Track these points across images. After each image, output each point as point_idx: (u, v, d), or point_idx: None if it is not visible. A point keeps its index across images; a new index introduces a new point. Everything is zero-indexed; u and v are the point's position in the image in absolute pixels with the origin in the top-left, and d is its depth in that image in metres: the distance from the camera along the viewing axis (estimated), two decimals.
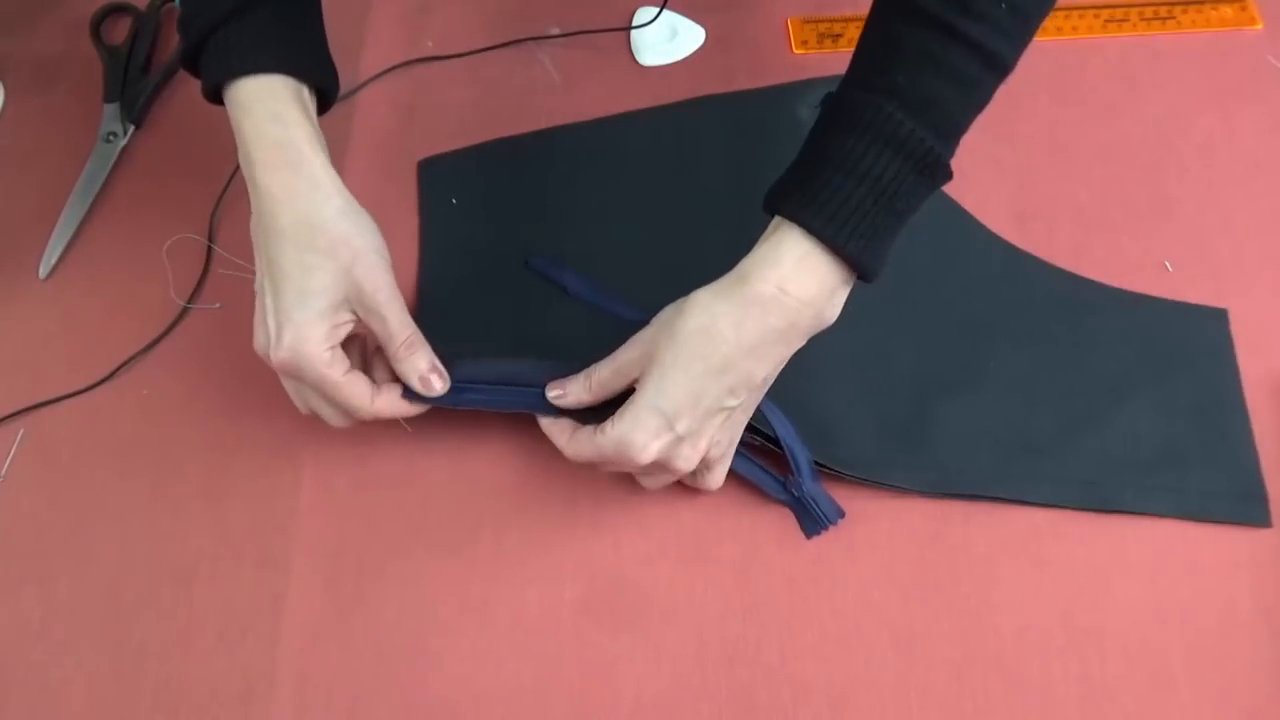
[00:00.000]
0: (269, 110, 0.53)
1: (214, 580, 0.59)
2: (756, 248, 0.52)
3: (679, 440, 0.52)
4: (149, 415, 0.64)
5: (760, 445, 0.59)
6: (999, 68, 0.50)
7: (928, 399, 0.62)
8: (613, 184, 0.70)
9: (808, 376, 0.62)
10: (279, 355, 0.53)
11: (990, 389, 0.62)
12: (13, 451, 0.63)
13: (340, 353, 0.54)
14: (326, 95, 0.58)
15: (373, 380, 0.56)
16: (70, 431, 0.63)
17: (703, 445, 0.54)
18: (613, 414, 0.53)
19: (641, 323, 0.55)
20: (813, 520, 0.58)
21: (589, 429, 0.54)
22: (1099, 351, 0.64)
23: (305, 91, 0.55)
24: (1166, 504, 0.59)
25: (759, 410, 0.58)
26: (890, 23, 0.51)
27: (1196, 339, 0.64)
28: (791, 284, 0.51)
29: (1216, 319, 0.65)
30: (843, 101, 0.51)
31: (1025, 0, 0.50)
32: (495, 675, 0.56)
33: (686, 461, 0.54)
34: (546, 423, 0.57)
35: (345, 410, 0.56)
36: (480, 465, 0.61)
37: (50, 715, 0.56)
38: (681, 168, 0.71)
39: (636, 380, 0.53)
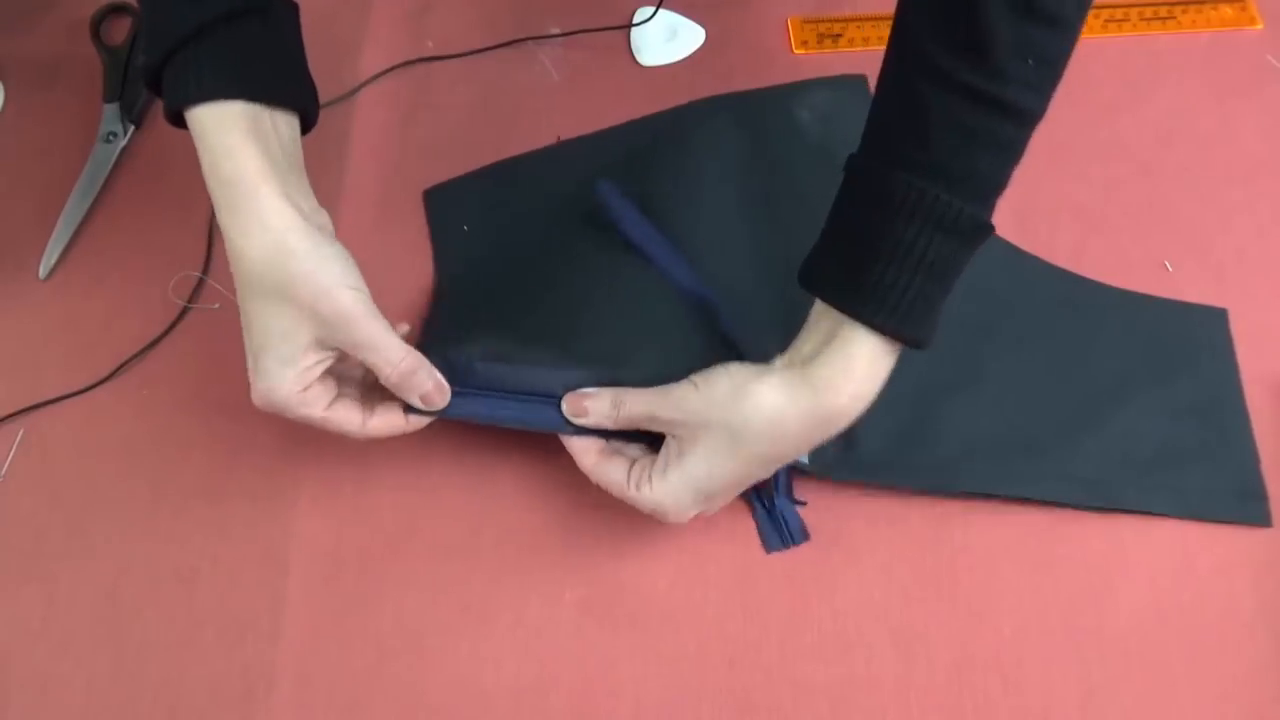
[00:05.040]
0: (221, 144, 0.51)
1: (214, 580, 0.59)
2: (827, 352, 0.51)
3: (710, 505, 0.55)
4: (149, 415, 0.64)
5: None
6: (1032, 122, 0.50)
7: (928, 399, 0.62)
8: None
9: None
10: (256, 399, 0.52)
11: (990, 389, 0.62)
12: (13, 451, 0.63)
13: (318, 390, 0.53)
14: (307, 115, 0.56)
15: (368, 402, 0.56)
16: (70, 431, 0.63)
17: (725, 502, 0.56)
18: (638, 441, 0.55)
19: (692, 296, 0.57)
20: (778, 536, 0.58)
21: (619, 464, 0.54)
22: (1099, 351, 0.64)
23: (272, 116, 0.53)
24: (1167, 503, 0.59)
25: None
26: (917, 86, 0.48)
27: (1197, 338, 0.64)
28: (864, 389, 0.51)
29: (1216, 318, 0.65)
30: (880, 180, 0.49)
31: (1049, 51, 0.48)
32: (495, 675, 0.56)
33: (706, 514, 0.56)
34: (567, 439, 0.56)
35: (340, 437, 0.55)
36: (481, 465, 0.61)
37: (50, 715, 0.56)
38: (683, 172, 0.70)
39: (670, 435, 0.53)
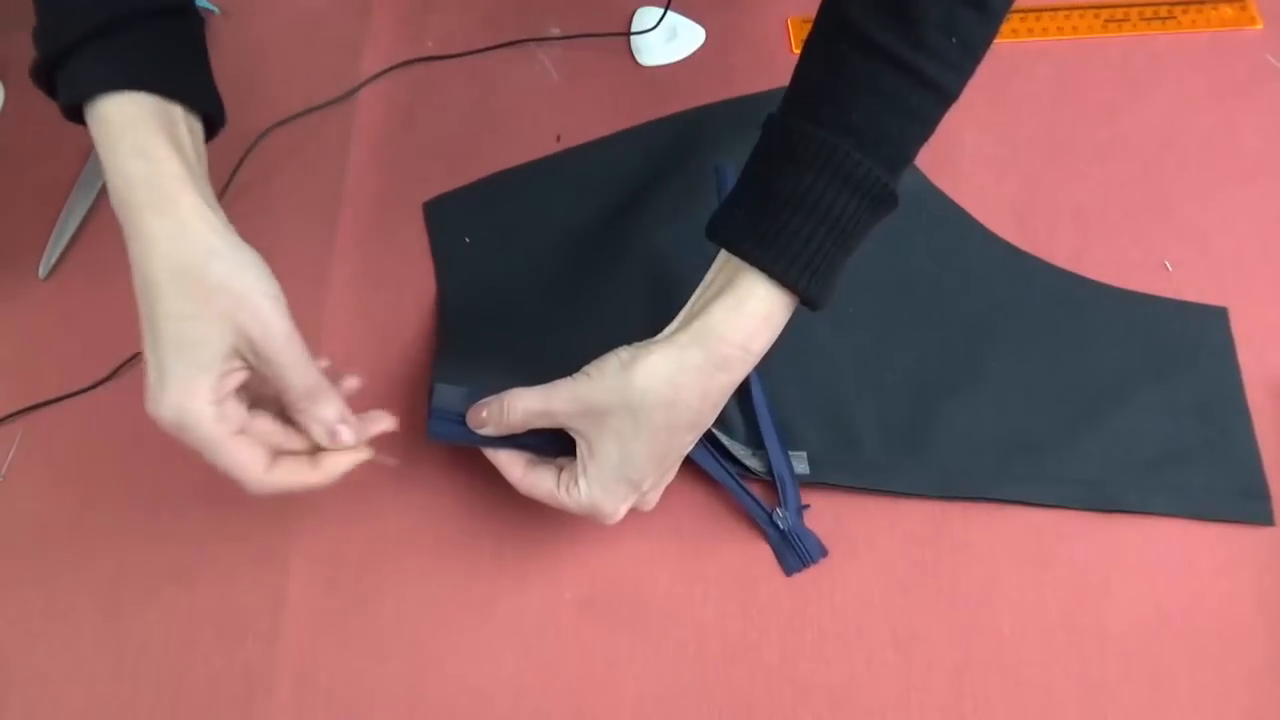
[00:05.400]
0: (132, 143, 0.48)
1: (214, 580, 0.59)
2: (719, 300, 0.50)
3: (644, 494, 0.54)
4: (149, 415, 0.64)
5: (752, 476, 0.60)
6: (947, 101, 0.50)
7: (929, 400, 0.62)
8: (622, 203, 0.69)
9: (808, 380, 0.62)
10: (161, 414, 0.48)
11: (991, 390, 0.62)
12: (12, 452, 0.63)
13: (233, 407, 0.50)
14: (212, 121, 0.54)
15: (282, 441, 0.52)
16: (70, 431, 0.63)
17: (663, 486, 0.56)
18: (551, 437, 0.53)
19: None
20: (795, 556, 0.58)
21: (547, 473, 0.54)
22: (1100, 351, 0.64)
23: (180, 115, 0.51)
24: (1169, 502, 0.59)
25: (756, 434, 0.59)
26: (839, 49, 0.49)
27: (1197, 338, 0.64)
28: (755, 341, 0.51)
29: (1217, 317, 0.65)
30: (794, 134, 0.49)
31: (973, 34, 0.49)
32: (495, 675, 0.56)
33: (650, 504, 0.56)
34: (491, 453, 0.55)
35: (233, 479, 0.50)
36: (481, 464, 0.61)
37: (50, 715, 0.56)
38: (684, 177, 0.70)
39: (576, 434, 0.52)
